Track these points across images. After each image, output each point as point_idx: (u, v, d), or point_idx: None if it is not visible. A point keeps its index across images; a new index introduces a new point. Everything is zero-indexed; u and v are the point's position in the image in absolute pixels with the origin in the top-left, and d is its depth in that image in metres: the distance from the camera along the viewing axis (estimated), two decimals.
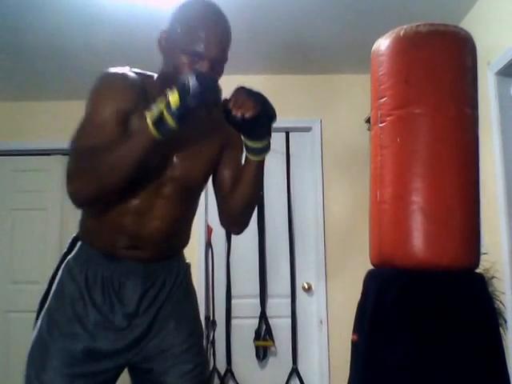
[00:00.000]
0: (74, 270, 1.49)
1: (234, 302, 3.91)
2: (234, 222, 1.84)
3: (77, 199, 1.38)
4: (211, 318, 3.85)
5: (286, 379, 3.79)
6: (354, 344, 1.85)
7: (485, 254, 2.34)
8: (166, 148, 1.43)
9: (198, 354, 1.57)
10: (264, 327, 3.85)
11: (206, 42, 1.46)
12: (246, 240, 3.97)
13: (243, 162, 1.61)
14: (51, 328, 1.45)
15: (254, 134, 1.50)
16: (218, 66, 1.52)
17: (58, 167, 4.46)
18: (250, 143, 1.51)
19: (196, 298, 1.71)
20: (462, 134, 1.78)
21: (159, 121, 1.28)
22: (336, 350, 3.70)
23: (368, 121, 3.51)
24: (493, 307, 1.88)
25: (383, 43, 1.86)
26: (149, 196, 1.49)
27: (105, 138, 1.37)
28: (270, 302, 3.91)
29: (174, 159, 1.52)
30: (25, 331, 4.49)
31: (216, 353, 3.80)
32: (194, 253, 3.87)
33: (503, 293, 2.70)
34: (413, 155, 1.75)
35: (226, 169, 1.70)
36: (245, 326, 3.87)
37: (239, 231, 1.85)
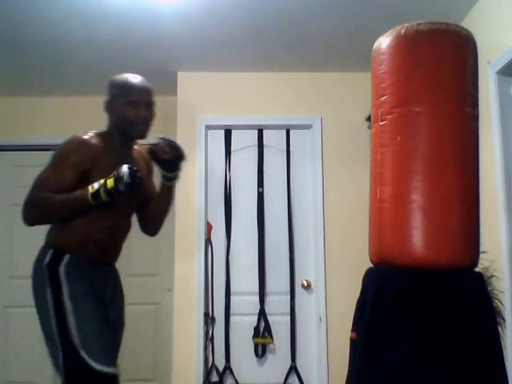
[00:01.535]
0: (74, 274, 2.04)
1: (233, 298, 3.91)
2: (153, 228, 2.48)
3: (26, 222, 2.06)
4: (210, 315, 3.86)
5: (284, 376, 3.80)
6: (352, 341, 1.86)
7: (484, 252, 2.35)
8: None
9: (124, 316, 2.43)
10: (263, 324, 3.86)
11: (138, 93, 2.18)
12: (246, 237, 3.98)
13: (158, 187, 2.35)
14: (84, 305, 2.03)
15: (170, 168, 2.23)
16: (150, 108, 2.23)
17: None
18: (168, 174, 2.25)
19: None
20: (463, 133, 1.78)
21: (96, 194, 1.99)
22: (335, 348, 3.71)
23: (368, 119, 3.51)
24: (492, 306, 1.88)
25: (384, 41, 1.85)
26: (118, 216, 2.19)
27: (58, 188, 2.01)
28: (269, 299, 3.92)
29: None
30: (23, 326, 4.53)
31: (215, 349, 3.81)
32: (193, 249, 3.87)
33: (502, 292, 2.70)
34: (413, 153, 1.75)
35: (152, 191, 2.42)
36: (244, 322, 3.87)
37: (155, 234, 2.51)
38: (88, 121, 4.42)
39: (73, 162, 2.04)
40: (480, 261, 1.85)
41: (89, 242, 2.11)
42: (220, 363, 3.82)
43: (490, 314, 1.80)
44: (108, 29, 3.32)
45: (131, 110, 2.14)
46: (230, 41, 3.55)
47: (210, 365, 3.79)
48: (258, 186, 4.04)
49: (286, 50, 3.72)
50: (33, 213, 2.03)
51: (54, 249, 2.09)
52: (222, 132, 4.10)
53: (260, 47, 3.67)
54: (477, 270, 1.87)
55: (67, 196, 2.01)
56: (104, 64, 3.77)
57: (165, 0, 3.02)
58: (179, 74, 4.05)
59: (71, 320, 1.96)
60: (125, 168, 1.99)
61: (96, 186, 1.98)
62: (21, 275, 4.21)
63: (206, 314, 3.84)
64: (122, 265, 4.53)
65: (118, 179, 1.97)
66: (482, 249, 1.89)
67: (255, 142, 4.11)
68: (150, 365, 4.22)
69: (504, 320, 2.67)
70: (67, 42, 3.48)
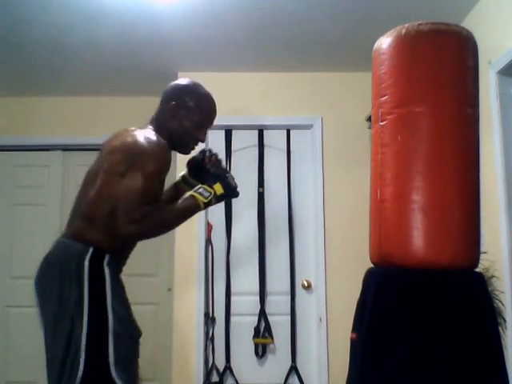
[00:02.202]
0: (116, 274, 1.96)
1: (233, 299, 3.91)
2: None
3: (137, 238, 1.96)
4: (210, 315, 3.86)
5: (284, 377, 3.80)
6: (352, 342, 1.86)
7: (484, 253, 2.35)
8: None
9: None
10: (263, 324, 3.86)
11: (212, 118, 2.17)
12: (246, 237, 3.98)
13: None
14: (123, 310, 1.93)
15: (203, 180, 2.09)
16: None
17: (57, 163, 4.46)
18: (194, 183, 2.12)
19: None
20: (463, 133, 1.78)
21: (208, 202, 1.96)
22: (335, 348, 3.71)
23: (369, 119, 3.51)
24: (492, 306, 1.88)
25: (385, 42, 1.85)
26: None
27: (153, 201, 1.87)
28: (270, 300, 3.91)
29: None
30: (24, 326, 4.51)
31: (215, 349, 3.80)
32: (193, 249, 3.87)
33: (503, 292, 2.70)
34: (413, 154, 1.75)
35: None
36: (244, 323, 3.87)
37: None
38: (88, 121, 4.46)
39: (163, 173, 1.94)
40: (480, 261, 1.85)
41: (127, 244, 2.04)
42: (220, 363, 3.82)
43: (490, 315, 1.80)
44: (108, 29, 3.32)
45: (197, 131, 2.10)
46: (230, 41, 3.55)
47: (210, 365, 3.79)
48: (259, 186, 4.04)
49: (287, 50, 3.72)
50: (145, 228, 1.84)
51: (93, 247, 1.87)
52: (223, 132, 4.10)
53: (260, 47, 3.67)
54: (477, 270, 1.87)
55: (176, 207, 1.94)
56: (105, 64, 3.78)
57: (165, 1, 3.02)
58: (180, 74, 4.04)
59: (111, 324, 1.79)
60: (229, 173, 2.09)
61: (204, 193, 1.96)
62: (21, 275, 4.22)
63: (207, 314, 3.84)
64: None
65: (228, 185, 2.03)
66: (482, 249, 1.89)
67: (256, 142, 4.11)
68: (150, 365, 4.21)
69: (504, 320, 2.66)
70: (68, 42, 3.48)
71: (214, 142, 4.07)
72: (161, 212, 1.89)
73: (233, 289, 3.92)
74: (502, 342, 1.82)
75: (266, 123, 4.07)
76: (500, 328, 1.95)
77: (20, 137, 4.38)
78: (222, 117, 4.01)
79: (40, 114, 4.43)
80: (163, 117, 2.06)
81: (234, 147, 4.09)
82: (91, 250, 1.85)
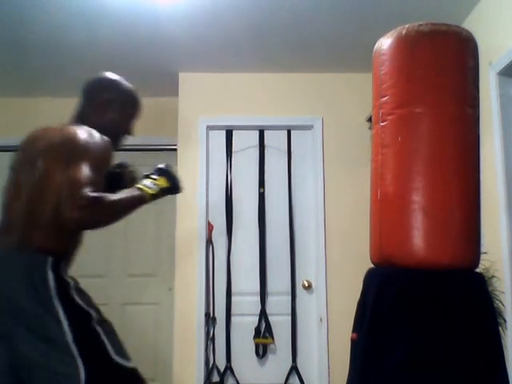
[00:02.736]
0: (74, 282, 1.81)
1: (234, 299, 3.91)
2: None
3: (80, 225, 1.74)
4: (211, 315, 3.86)
5: (285, 377, 3.80)
6: (353, 342, 1.86)
7: (485, 253, 2.35)
8: None
9: None
10: (264, 325, 3.86)
11: (140, 109, 2.15)
12: (247, 237, 3.98)
13: None
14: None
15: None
16: None
17: None
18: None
19: None
20: (463, 134, 1.79)
21: (155, 195, 1.95)
22: (335, 348, 3.72)
23: (369, 119, 3.51)
24: (492, 307, 1.88)
25: (385, 42, 1.86)
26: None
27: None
28: (270, 300, 3.92)
29: None
30: None
31: (216, 350, 3.81)
32: (194, 250, 3.88)
33: (503, 292, 2.70)
34: (414, 154, 1.76)
35: None
36: (245, 323, 3.87)
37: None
38: None
39: (105, 166, 1.86)
40: (481, 261, 1.85)
41: (78, 245, 1.94)
42: (221, 363, 3.82)
43: (490, 315, 1.80)
44: (110, 30, 3.33)
45: (126, 124, 2.11)
46: (231, 41, 3.56)
47: (210, 365, 3.80)
48: (259, 187, 4.05)
49: (288, 51, 3.72)
50: (93, 214, 1.69)
51: (52, 255, 1.75)
52: (224, 132, 4.10)
53: (261, 48, 3.68)
54: (477, 270, 1.87)
55: (125, 197, 1.84)
56: (106, 65, 3.76)
57: (166, 1, 3.03)
58: (181, 74, 4.05)
59: (98, 326, 1.74)
60: (171, 168, 2.07)
61: (151, 186, 1.95)
62: None
63: (207, 315, 3.85)
64: (122, 265, 4.55)
65: (173, 178, 2.04)
66: (482, 249, 1.90)
67: (256, 142, 4.11)
68: (150, 365, 4.22)
69: (505, 320, 2.67)
70: (69, 43, 3.49)
71: (215, 142, 4.08)
72: (109, 200, 1.73)
73: (233, 289, 3.92)
74: (502, 342, 1.83)
75: (266, 124, 4.07)
76: (500, 328, 1.95)
77: (21, 137, 4.38)
78: (223, 117, 4.07)
79: (41, 115, 4.42)
80: (89, 113, 2.04)
81: (234, 148, 4.10)
82: (50, 260, 1.72)
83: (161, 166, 2.08)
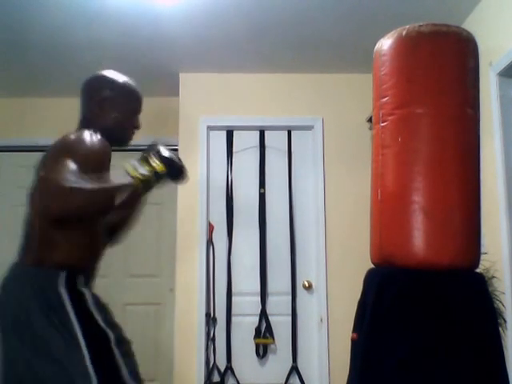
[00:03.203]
0: (92, 297, 1.76)
1: (234, 299, 3.92)
2: (117, 238, 2.28)
3: (61, 211, 1.62)
4: (212, 315, 3.86)
5: (285, 377, 3.81)
6: (353, 342, 1.86)
7: (485, 253, 2.35)
8: None
9: None
10: (264, 325, 3.86)
11: (141, 102, 2.08)
12: (247, 238, 3.98)
13: None
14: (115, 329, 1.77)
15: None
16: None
17: None
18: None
19: None
20: (464, 134, 1.79)
21: (146, 181, 1.75)
22: (336, 349, 3.72)
23: (370, 120, 3.52)
24: (493, 307, 1.89)
25: (385, 43, 1.86)
26: (100, 226, 1.89)
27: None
28: (271, 300, 3.92)
29: None
30: None
31: (216, 350, 3.81)
32: (195, 250, 3.88)
33: (503, 293, 2.70)
34: (414, 155, 1.76)
35: None
36: (245, 323, 3.88)
37: (118, 243, 2.28)
38: None
39: (98, 163, 1.76)
40: (481, 262, 1.85)
41: (95, 257, 1.87)
42: (221, 363, 3.83)
43: (490, 315, 1.80)
44: (110, 30, 3.33)
45: (133, 119, 2.03)
46: (231, 42, 3.56)
47: (211, 365, 3.80)
48: (260, 187, 4.05)
49: (288, 51, 3.73)
50: (73, 199, 1.59)
51: (65, 269, 1.71)
52: (224, 133, 4.11)
53: (262, 48, 3.68)
54: (478, 270, 1.88)
55: (106, 185, 1.69)
56: (106, 65, 3.76)
57: (167, 1, 3.03)
58: (181, 75, 4.05)
59: (115, 347, 1.69)
60: (168, 151, 1.86)
61: (141, 170, 1.75)
62: None
63: (208, 315, 3.85)
64: (123, 265, 4.56)
65: (170, 161, 1.82)
66: (482, 250, 1.90)
67: (257, 142, 4.11)
68: (151, 365, 4.22)
69: (505, 321, 2.67)
70: (70, 43, 3.49)
71: (216, 142, 4.08)
72: (85, 188, 1.61)
73: (234, 289, 3.93)
74: (502, 342, 1.83)
75: (267, 124, 4.08)
76: (500, 328, 1.95)
77: (22, 138, 4.39)
78: (224, 117, 4.07)
79: (42, 115, 4.44)
80: (92, 116, 1.98)
81: (235, 148, 4.10)
82: (62, 274, 1.69)
83: (159, 146, 1.87)
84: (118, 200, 1.70)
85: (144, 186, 1.75)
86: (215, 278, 3.92)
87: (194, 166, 3.93)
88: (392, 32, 1.86)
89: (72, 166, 1.63)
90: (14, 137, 4.40)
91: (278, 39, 3.53)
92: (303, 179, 4.08)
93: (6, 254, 4.63)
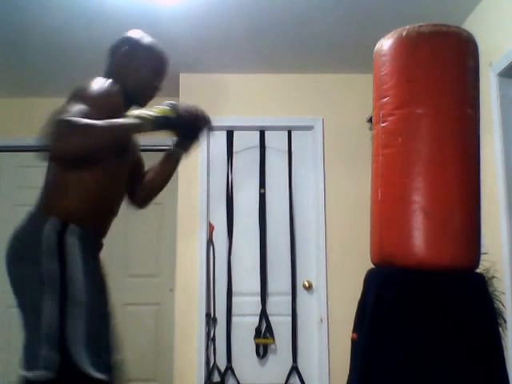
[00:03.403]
0: (85, 248, 1.73)
1: (234, 299, 3.92)
2: (145, 201, 2.22)
3: (62, 151, 1.64)
4: (212, 315, 3.87)
5: (285, 377, 3.81)
6: (353, 343, 1.86)
7: (485, 253, 2.36)
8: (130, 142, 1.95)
9: None
10: (264, 325, 3.86)
11: (167, 66, 2.10)
12: (248, 238, 3.98)
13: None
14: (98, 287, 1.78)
15: (188, 135, 2.14)
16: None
17: None
18: (184, 141, 2.15)
19: None
20: (464, 135, 1.79)
21: (157, 120, 1.78)
22: (336, 349, 3.72)
23: (370, 120, 3.52)
24: (493, 307, 1.88)
25: (385, 43, 1.86)
26: (120, 181, 1.93)
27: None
28: (271, 300, 3.92)
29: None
30: None
31: (216, 350, 3.81)
32: (195, 250, 3.88)
33: (503, 293, 2.71)
34: (414, 155, 1.76)
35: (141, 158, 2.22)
36: (245, 323, 3.88)
37: (145, 207, 2.24)
38: None
39: (105, 108, 1.73)
40: (481, 262, 1.85)
41: (101, 209, 1.82)
42: (221, 364, 3.83)
43: (490, 315, 1.80)
44: (110, 31, 3.31)
45: (155, 80, 2.02)
46: (231, 42, 3.56)
47: (211, 365, 3.80)
48: (260, 187, 4.05)
49: (288, 52, 3.73)
50: (76, 139, 1.60)
51: (56, 216, 1.70)
52: (224, 133, 4.11)
53: (262, 49, 3.68)
54: (478, 271, 1.88)
55: (113, 121, 1.68)
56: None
57: (167, 2, 3.03)
58: (181, 75, 4.06)
59: (85, 304, 1.67)
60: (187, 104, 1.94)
61: (150, 112, 1.78)
62: None
63: (208, 315, 3.85)
64: (123, 265, 4.54)
65: (175, 106, 1.86)
66: (483, 250, 1.90)
67: (257, 143, 4.12)
68: (151, 365, 4.23)
69: (505, 321, 2.67)
70: (70, 43, 3.49)
71: (216, 143, 4.08)
72: (98, 122, 1.63)
73: (234, 289, 3.93)
74: (503, 342, 1.83)
75: (267, 124, 4.08)
76: (500, 329, 1.95)
77: (23, 138, 4.39)
78: (224, 118, 4.07)
79: (43, 115, 4.43)
80: (112, 68, 1.99)
81: (235, 148, 4.10)
82: (53, 221, 1.69)
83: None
84: (123, 139, 1.80)
85: (150, 126, 1.76)
86: (215, 278, 3.92)
87: (195, 166, 3.93)
88: (392, 32, 1.86)
89: (78, 107, 1.66)
90: (14, 137, 4.41)
91: (277, 39, 3.53)
92: (303, 179, 4.08)
93: None
